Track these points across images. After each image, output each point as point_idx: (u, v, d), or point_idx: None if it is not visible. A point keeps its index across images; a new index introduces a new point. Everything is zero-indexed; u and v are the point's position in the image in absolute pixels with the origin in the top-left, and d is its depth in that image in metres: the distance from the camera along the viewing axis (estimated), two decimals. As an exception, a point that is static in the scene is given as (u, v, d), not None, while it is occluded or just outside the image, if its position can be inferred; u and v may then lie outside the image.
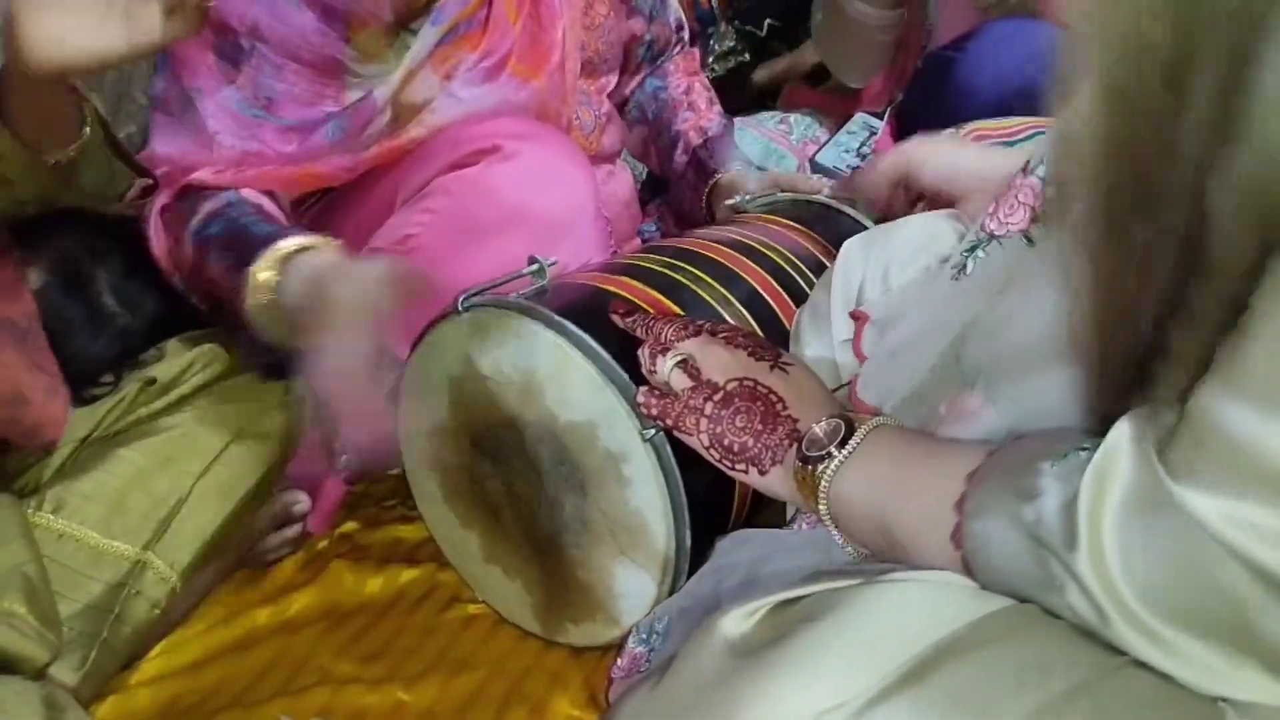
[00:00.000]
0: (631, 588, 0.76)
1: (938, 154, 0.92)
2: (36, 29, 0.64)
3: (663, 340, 0.68)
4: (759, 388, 0.61)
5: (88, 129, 0.76)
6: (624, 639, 0.75)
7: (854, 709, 0.42)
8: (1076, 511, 0.41)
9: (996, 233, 0.63)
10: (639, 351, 0.67)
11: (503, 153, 0.86)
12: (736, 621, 0.50)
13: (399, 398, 0.86)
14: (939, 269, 0.73)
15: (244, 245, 0.83)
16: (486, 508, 0.84)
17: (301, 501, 0.97)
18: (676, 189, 1.27)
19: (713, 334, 0.66)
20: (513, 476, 0.81)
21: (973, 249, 0.66)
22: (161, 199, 0.89)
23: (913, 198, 0.96)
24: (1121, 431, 0.42)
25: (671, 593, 0.75)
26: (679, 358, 0.64)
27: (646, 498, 0.72)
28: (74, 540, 0.79)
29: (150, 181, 0.86)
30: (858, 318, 0.79)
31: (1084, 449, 0.44)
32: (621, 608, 0.78)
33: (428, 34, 0.92)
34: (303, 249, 0.81)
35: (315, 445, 0.98)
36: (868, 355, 0.76)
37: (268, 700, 0.80)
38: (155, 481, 0.83)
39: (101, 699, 0.81)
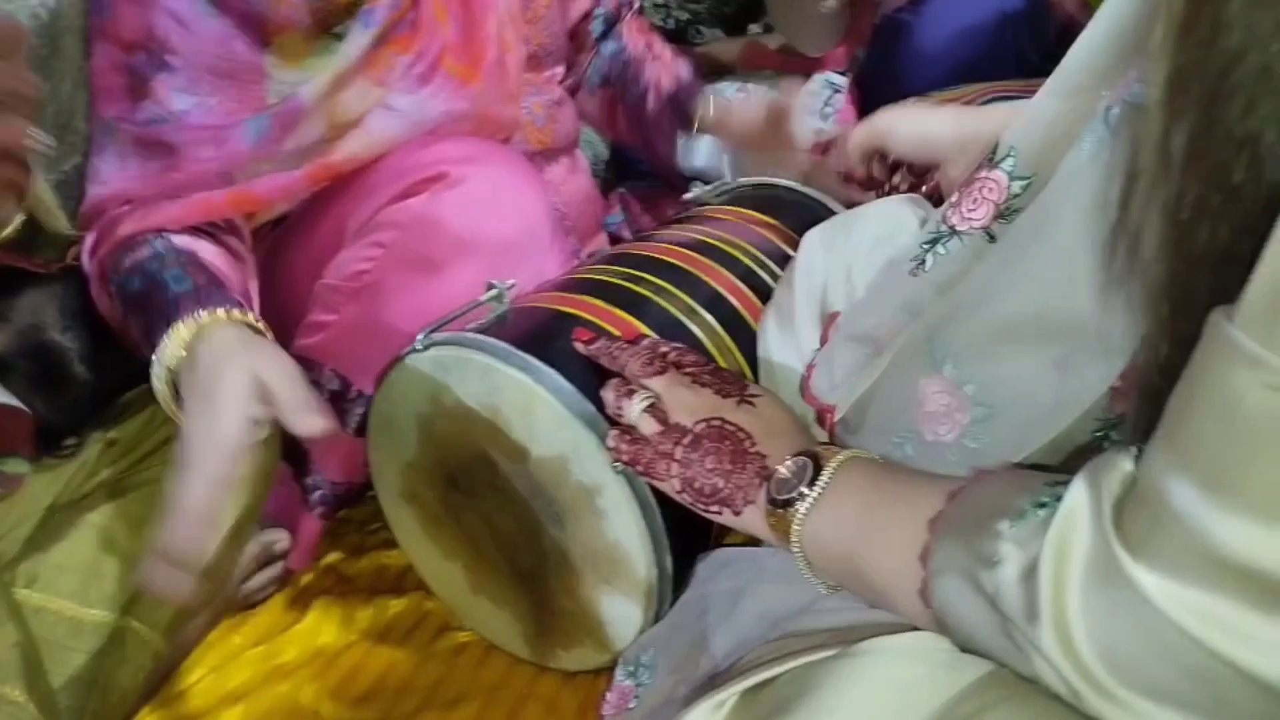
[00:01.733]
0: (618, 615, 0.76)
1: (907, 121, 0.90)
2: None
3: (628, 373, 0.67)
4: (726, 426, 0.60)
5: (19, 218, 0.74)
6: (613, 668, 0.75)
7: None
8: (1037, 583, 0.40)
9: (958, 228, 0.62)
10: (603, 393, 0.67)
11: (448, 180, 0.83)
12: (706, 715, 0.49)
13: (368, 436, 0.85)
14: (897, 260, 0.72)
15: (152, 310, 0.77)
16: (467, 540, 0.83)
17: (281, 540, 0.96)
18: (652, 139, 1.22)
19: (679, 367, 0.65)
20: (490, 510, 0.80)
21: (933, 242, 0.64)
22: (98, 254, 0.84)
23: (891, 167, 0.94)
24: (1078, 493, 0.41)
25: (658, 616, 0.75)
26: (646, 402, 0.63)
27: (623, 528, 0.71)
28: (51, 614, 0.78)
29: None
30: (833, 318, 0.77)
31: (1042, 504, 0.43)
32: (609, 634, 0.77)
33: (359, 37, 0.87)
34: (198, 332, 0.74)
35: (289, 483, 0.97)
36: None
37: (265, 752, 0.80)
38: (127, 544, 0.81)
39: (99, 763, 0.80)
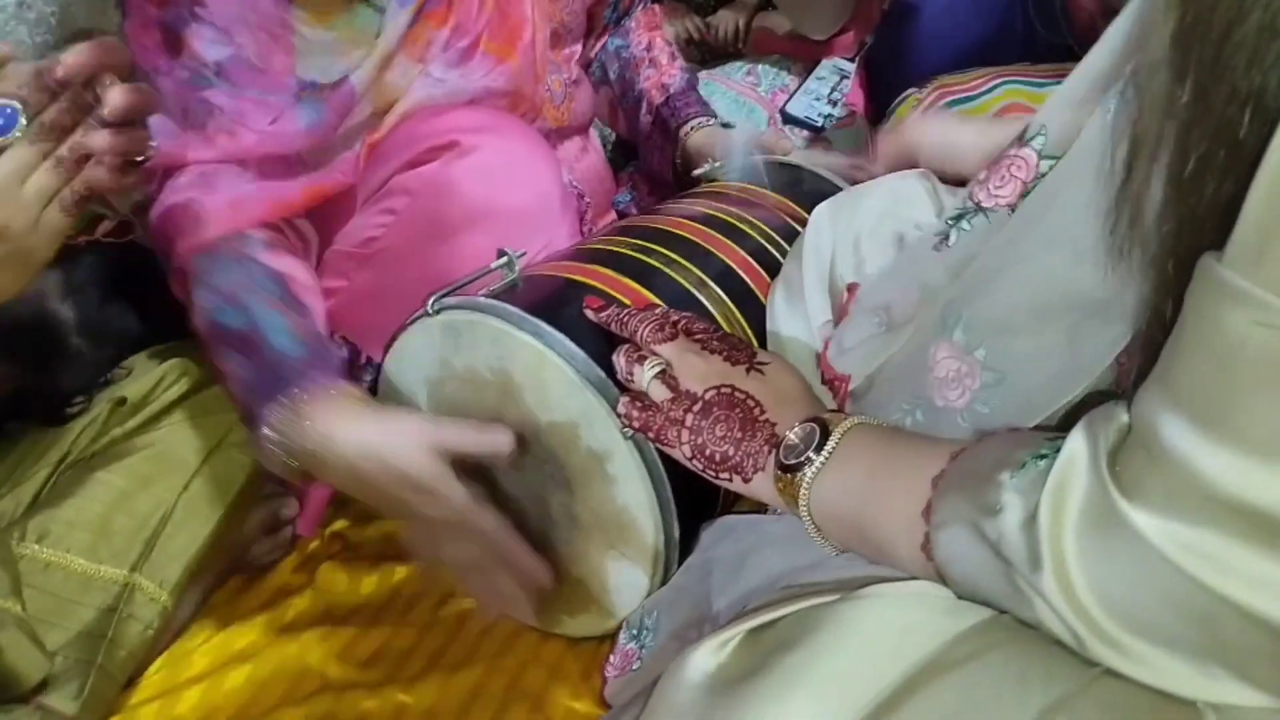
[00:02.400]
0: (624, 581, 0.77)
1: (935, 132, 0.91)
2: None
3: (639, 339, 0.67)
4: (736, 394, 0.61)
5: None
6: (618, 632, 0.76)
7: None
8: (1037, 530, 0.41)
9: (984, 204, 0.62)
10: (614, 359, 0.67)
11: (461, 148, 0.84)
12: (710, 653, 0.50)
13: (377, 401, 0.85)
14: (922, 236, 0.73)
15: (259, 366, 0.76)
16: (474, 506, 0.84)
17: (289, 506, 0.97)
18: (644, 150, 1.26)
19: (689, 334, 0.65)
20: (498, 476, 0.80)
21: (958, 218, 0.65)
22: (178, 246, 0.84)
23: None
24: (1076, 442, 0.42)
25: (664, 583, 0.75)
26: (656, 369, 0.64)
27: (632, 494, 0.72)
28: (61, 569, 0.79)
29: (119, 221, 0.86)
30: (851, 290, 0.78)
31: (1043, 456, 0.44)
32: (615, 600, 0.78)
33: (398, 16, 0.89)
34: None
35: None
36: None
37: (272, 711, 0.81)
38: (137, 502, 0.82)
39: (104, 720, 0.81)
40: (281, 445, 0.73)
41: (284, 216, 0.88)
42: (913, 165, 0.91)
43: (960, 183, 0.86)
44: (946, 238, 0.64)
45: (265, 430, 0.73)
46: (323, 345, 0.79)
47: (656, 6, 1.32)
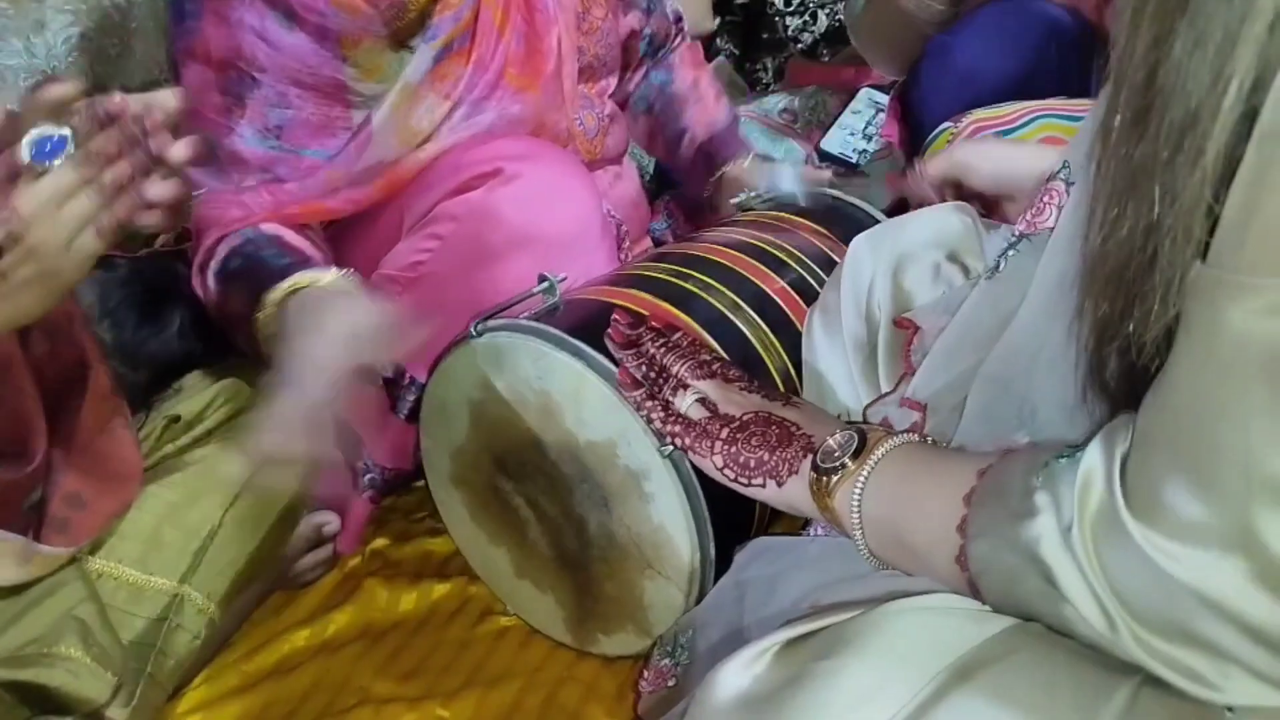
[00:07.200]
0: (659, 599, 0.78)
1: (988, 156, 0.91)
2: None
3: (678, 375, 0.69)
4: (774, 416, 0.63)
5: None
6: (652, 650, 0.77)
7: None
8: (1070, 535, 0.43)
9: (1027, 232, 0.64)
10: (648, 411, 0.69)
11: (504, 175, 0.86)
12: (745, 664, 0.51)
13: (421, 421, 0.88)
14: (974, 276, 0.75)
15: (259, 277, 0.84)
16: (514, 525, 0.85)
17: (331, 522, 0.99)
18: (684, 181, 1.28)
19: (726, 380, 0.68)
20: (537, 494, 0.82)
21: (1005, 250, 0.67)
22: (198, 254, 0.90)
23: (960, 197, 0.95)
24: (1095, 448, 0.44)
25: (699, 602, 0.76)
26: (696, 396, 0.66)
27: (669, 513, 0.73)
28: (113, 579, 0.81)
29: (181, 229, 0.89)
30: (905, 325, 0.79)
31: (1063, 457, 0.45)
32: (650, 618, 0.79)
33: (424, 52, 0.92)
34: (314, 283, 0.81)
35: (340, 468, 1.00)
36: (914, 364, 0.77)
37: (312, 723, 0.83)
38: (187, 515, 0.84)
39: (150, 731, 0.83)
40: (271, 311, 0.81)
41: (283, 223, 0.92)
42: (958, 187, 0.92)
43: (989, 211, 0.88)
44: (997, 267, 0.65)
45: (260, 304, 0.82)
46: (307, 257, 0.87)
47: (698, 44, 1.34)
